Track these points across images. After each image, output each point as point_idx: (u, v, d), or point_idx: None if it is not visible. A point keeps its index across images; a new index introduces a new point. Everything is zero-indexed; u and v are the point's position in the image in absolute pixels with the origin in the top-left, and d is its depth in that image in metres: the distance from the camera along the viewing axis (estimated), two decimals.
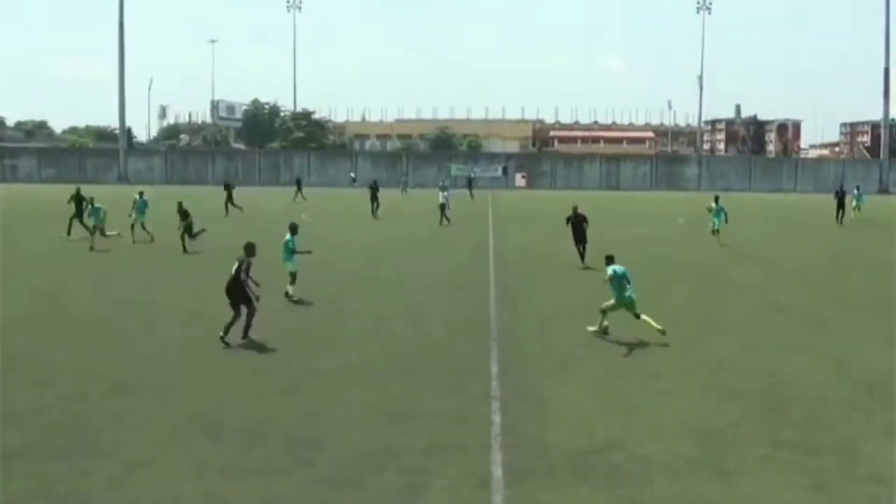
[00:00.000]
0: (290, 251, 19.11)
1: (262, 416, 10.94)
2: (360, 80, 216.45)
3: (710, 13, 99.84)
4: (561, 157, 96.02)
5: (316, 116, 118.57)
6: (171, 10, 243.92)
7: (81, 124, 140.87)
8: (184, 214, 28.33)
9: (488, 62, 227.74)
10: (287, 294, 18.93)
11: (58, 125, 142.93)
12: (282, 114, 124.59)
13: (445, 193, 40.08)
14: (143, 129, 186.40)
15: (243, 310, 14.93)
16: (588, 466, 9.36)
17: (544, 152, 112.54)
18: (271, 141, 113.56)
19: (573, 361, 13.89)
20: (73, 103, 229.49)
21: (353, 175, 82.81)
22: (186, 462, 9.40)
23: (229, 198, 44.28)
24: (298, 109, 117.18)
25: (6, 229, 34.76)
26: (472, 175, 79.24)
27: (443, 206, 38.87)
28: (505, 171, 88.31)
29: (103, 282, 22.16)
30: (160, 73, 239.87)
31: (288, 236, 19.19)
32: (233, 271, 14.95)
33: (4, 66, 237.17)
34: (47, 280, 22.38)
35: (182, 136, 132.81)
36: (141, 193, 31.97)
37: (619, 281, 15.13)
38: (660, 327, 15.03)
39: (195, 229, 28.56)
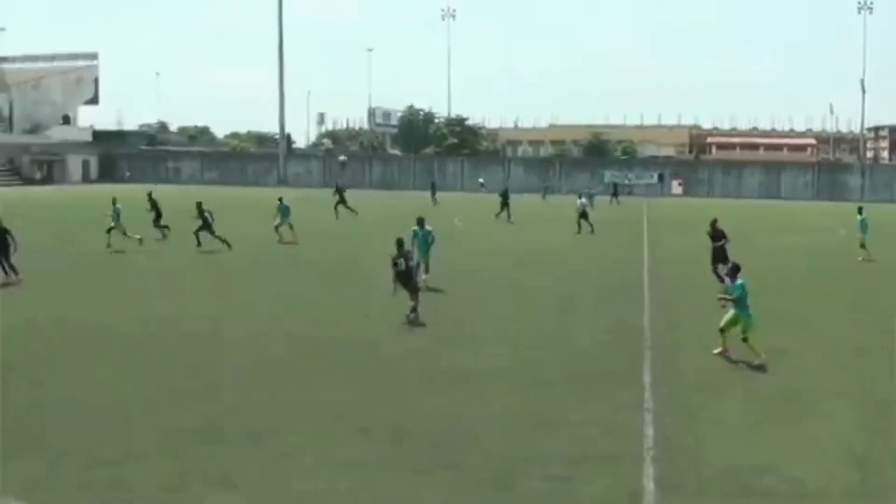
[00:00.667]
0: (425, 242, 20.95)
1: (410, 415, 11.07)
2: (513, 87, 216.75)
3: (871, 13, 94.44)
4: (719, 165, 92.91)
5: (469, 123, 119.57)
6: (328, 20, 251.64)
7: (242, 130, 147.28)
8: (200, 214, 29.55)
9: (644, 66, 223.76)
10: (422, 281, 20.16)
11: (220, 131, 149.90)
12: (436, 120, 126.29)
13: (583, 200, 39.29)
14: (303, 135, 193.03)
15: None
16: (741, 485, 8.99)
17: (701, 159, 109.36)
18: (426, 147, 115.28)
19: (730, 376, 13.40)
20: (234, 110, 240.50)
21: (481, 181, 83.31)
22: (335, 456, 9.62)
23: (341, 201, 44.87)
24: (452, 116, 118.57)
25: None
26: (628, 181, 77.89)
27: (583, 214, 38.03)
28: (661, 178, 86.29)
29: (250, 279, 23.04)
30: (318, 81, 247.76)
31: (415, 228, 20.99)
32: (398, 265, 16.73)
33: (169, 75, 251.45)
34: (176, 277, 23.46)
35: (325, 143, 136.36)
36: (280, 199, 33.28)
37: (743, 294, 14.14)
38: (760, 359, 13.84)
39: (215, 231, 29.41)
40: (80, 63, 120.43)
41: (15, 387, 12.17)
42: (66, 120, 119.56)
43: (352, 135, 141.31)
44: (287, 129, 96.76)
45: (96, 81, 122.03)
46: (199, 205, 29.79)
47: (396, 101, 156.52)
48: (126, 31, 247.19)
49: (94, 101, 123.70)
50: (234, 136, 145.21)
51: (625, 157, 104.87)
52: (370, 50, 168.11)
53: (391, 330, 16.33)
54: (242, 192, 69.37)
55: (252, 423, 10.71)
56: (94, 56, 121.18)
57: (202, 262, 26.40)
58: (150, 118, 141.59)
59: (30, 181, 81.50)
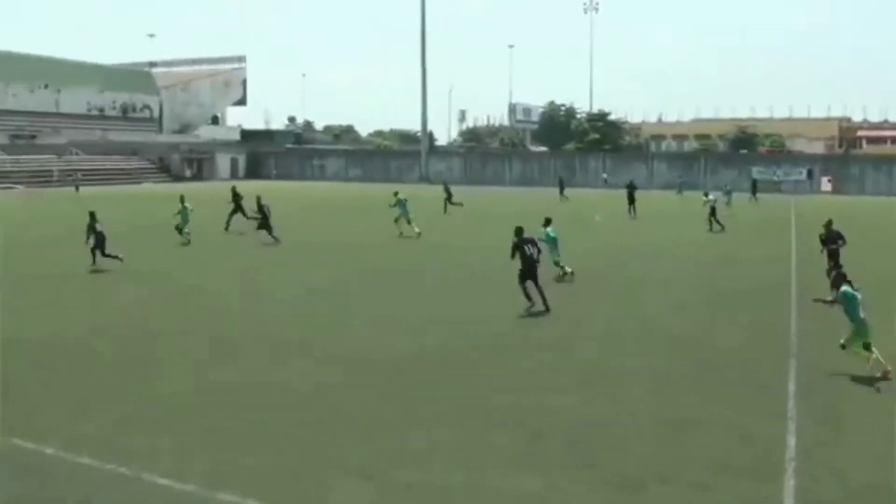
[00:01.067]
0: (553, 241, 21.57)
1: (545, 411, 11.11)
2: (656, 80, 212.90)
3: None
4: (870, 160, 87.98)
5: (611, 117, 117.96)
6: (470, 17, 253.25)
7: (386, 128, 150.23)
8: (260, 209, 30.80)
9: (791, 56, 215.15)
10: (564, 272, 21.86)
11: (363, 129, 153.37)
12: (577, 115, 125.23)
13: (711, 197, 38.23)
14: (444, 132, 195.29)
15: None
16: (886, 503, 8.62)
17: (851, 154, 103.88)
18: (567, 143, 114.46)
19: (882, 387, 12.78)
20: (378, 109, 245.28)
21: (604, 176, 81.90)
22: (470, 450, 9.77)
23: (449, 197, 45.84)
24: (594, 111, 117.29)
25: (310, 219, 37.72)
26: (776, 178, 75.10)
27: (712, 211, 36.93)
28: (810, 174, 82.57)
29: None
30: (460, 78, 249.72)
31: (546, 228, 21.53)
32: (523, 250, 17.41)
33: (314, 76, 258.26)
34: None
35: (456, 140, 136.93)
36: (396, 193, 35.45)
37: (852, 303, 13.27)
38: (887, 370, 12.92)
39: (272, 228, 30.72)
40: (229, 66, 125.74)
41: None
42: (215, 120, 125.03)
43: (492, 131, 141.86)
44: (429, 127, 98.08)
45: (244, 83, 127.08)
46: (258, 199, 31.40)
47: (537, 97, 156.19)
48: (273, 34, 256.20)
49: (242, 102, 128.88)
50: (378, 134, 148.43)
51: (771, 151, 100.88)
52: (511, 46, 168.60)
53: (521, 323, 16.38)
54: (385, 188, 70.45)
55: (388, 415, 10.98)
56: (242, 59, 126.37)
57: (288, 255, 27.03)
58: (297, 117, 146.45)
59: (179, 178, 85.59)
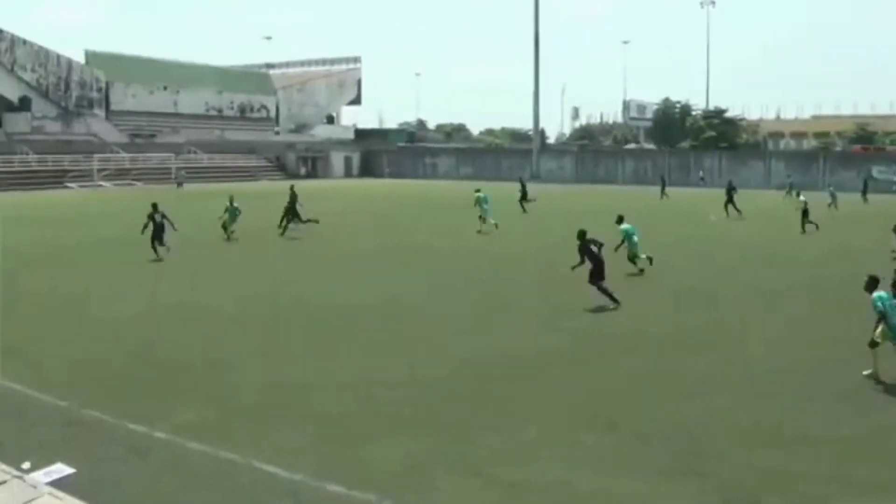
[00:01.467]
0: (629, 235, 22.14)
1: (656, 416, 10.83)
2: (775, 76, 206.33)
3: None
4: None
5: (728, 115, 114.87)
6: (584, 14, 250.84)
7: (497, 126, 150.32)
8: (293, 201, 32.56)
9: None
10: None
11: (475, 127, 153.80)
12: (693, 112, 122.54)
13: (802, 198, 36.33)
14: (556, 129, 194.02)
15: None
16: None
17: None
18: (681, 140, 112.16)
19: None
20: (490, 107, 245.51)
21: (701, 174, 79.75)
22: (579, 451, 9.62)
23: (524, 196, 44.70)
24: (710, 107, 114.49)
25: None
26: None
27: (804, 212, 35.23)
28: None
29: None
30: (574, 75, 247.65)
31: (626, 226, 22.04)
32: (598, 255, 17.90)
33: (428, 75, 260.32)
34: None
35: (562, 136, 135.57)
36: (477, 190, 36.03)
37: (880, 308, 12.43)
38: None
39: (303, 217, 32.67)
40: (344, 67, 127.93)
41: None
42: (330, 119, 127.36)
43: (605, 129, 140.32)
44: (541, 125, 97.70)
45: (359, 83, 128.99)
46: (291, 187, 32.76)
47: (652, 94, 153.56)
48: (388, 35, 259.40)
49: (356, 101, 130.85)
50: (489, 132, 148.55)
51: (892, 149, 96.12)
52: (626, 42, 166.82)
53: (631, 326, 16.04)
54: (496, 186, 70.49)
55: (498, 413, 10.89)
56: (357, 59, 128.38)
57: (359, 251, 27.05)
58: (410, 116, 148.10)
59: (294, 176, 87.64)
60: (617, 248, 21.54)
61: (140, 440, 9.90)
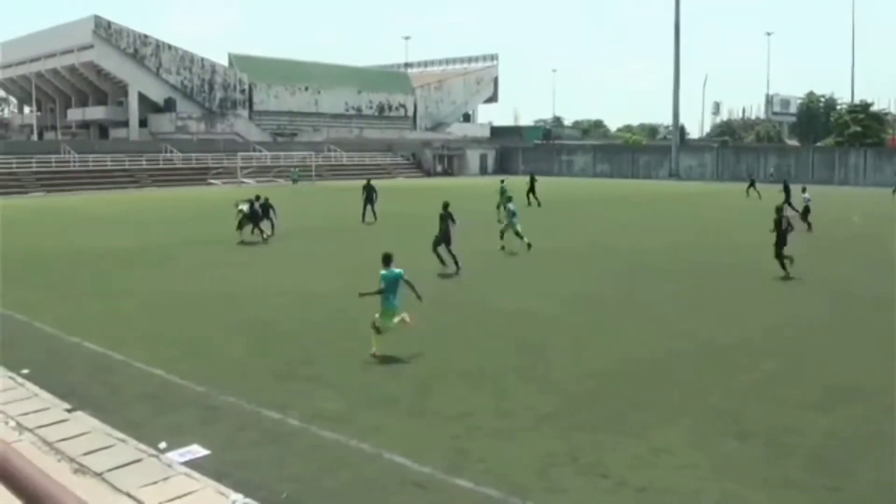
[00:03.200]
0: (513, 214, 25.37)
1: (790, 427, 10.31)
2: None
3: None
4: None
5: (874, 109, 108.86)
6: (726, 4, 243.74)
7: (635, 122, 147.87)
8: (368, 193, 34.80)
9: None
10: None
11: (613, 124, 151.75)
12: (838, 107, 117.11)
13: (806, 195, 33.98)
14: (696, 125, 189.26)
15: None
16: None
17: None
18: (826, 136, 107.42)
19: None
20: (627, 103, 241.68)
21: (771, 171, 76.18)
22: (708, 458, 9.28)
23: (531, 190, 44.21)
24: (855, 102, 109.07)
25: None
26: None
27: (805, 210, 32.98)
28: None
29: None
30: (715, 69, 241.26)
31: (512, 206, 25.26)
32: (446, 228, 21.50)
33: (564, 71, 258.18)
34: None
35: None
36: (502, 181, 38.17)
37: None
38: None
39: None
40: (481, 64, 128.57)
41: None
42: (467, 117, 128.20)
43: (747, 125, 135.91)
44: (680, 120, 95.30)
45: (496, 81, 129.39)
46: (367, 182, 34.20)
47: (796, 87, 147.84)
48: (524, 32, 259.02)
49: (493, 99, 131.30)
50: (627, 128, 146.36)
51: None
52: (769, 33, 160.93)
53: (769, 335, 15.38)
54: (633, 185, 69.74)
55: (631, 414, 10.64)
56: (493, 57, 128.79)
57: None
58: (546, 113, 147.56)
59: (430, 174, 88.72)
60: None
61: (274, 426, 10.12)
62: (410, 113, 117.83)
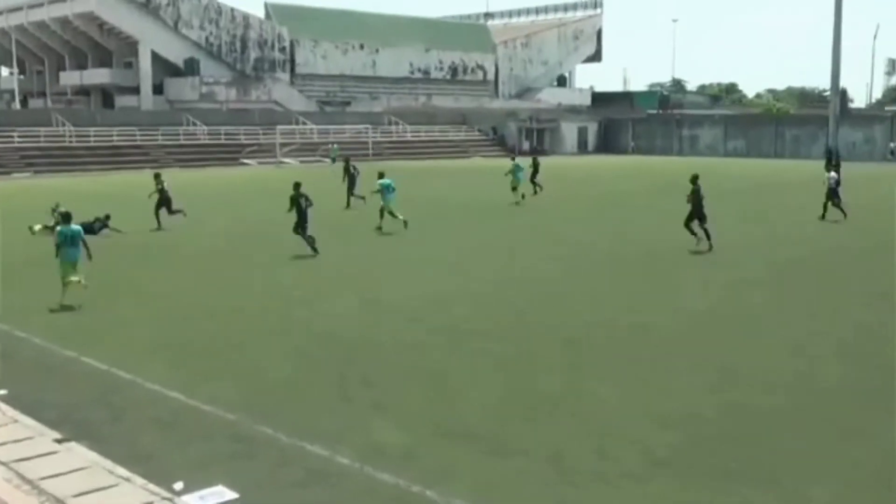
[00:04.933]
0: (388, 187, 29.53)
1: None
2: None
3: None
4: None
5: None
6: None
7: (780, 86, 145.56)
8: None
9: None
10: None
11: (750, 88, 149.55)
12: None
13: (832, 174, 34.11)
14: (862, 90, 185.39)
15: None
16: None
17: None
18: None
19: None
20: (770, 62, 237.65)
21: (892, 146, 74.15)
22: None
23: (535, 172, 45.04)
24: None
25: None
26: None
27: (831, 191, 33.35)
28: None
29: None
30: (889, 18, 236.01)
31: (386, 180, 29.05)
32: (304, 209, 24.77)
33: (687, 23, 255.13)
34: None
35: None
36: (513, 158, 42.00)
37: None
38: None
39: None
40: (580, 14, 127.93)
41: None
42: (561, 81, 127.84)
43: None
44: (842, 83, 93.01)
45: (599, 35, 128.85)
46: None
47: None
48: None
49: (595, 57, 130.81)
50: (769, 94, 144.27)
51: None
52: None
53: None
54: (776, 166, 68.34)
55: (774, 464, 10.15)
56: (597, 5, 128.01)
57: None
58: (663, 76, 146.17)
59: (515, 152, 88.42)
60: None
61: (320, 464, 10.00)
62: (491, 76, 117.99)
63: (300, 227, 25.17)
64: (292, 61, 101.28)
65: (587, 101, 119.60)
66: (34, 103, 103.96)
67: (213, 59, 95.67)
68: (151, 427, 11.16)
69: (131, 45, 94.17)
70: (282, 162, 70.64)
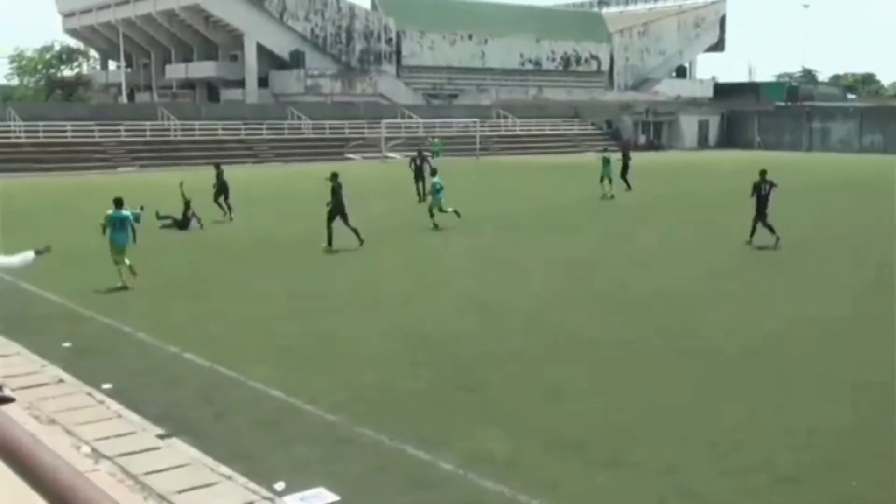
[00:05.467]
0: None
1: None
2: None
3: None
4: None
5: None
6: None
7: None
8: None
9: None
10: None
11: (888, 79, 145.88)
12: None
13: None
14: None
15: None
16: None
17: None
18: None
19: None
20: None
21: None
22: None
23: (625, 168, 44.29)
24: None
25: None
26: None
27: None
28: None
29: None
30: None
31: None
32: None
33: (819, 7, 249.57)
34: None
35: None
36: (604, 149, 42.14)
37: None
38: None
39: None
40: (701, 0, 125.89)
41: None
42: (681, 72, 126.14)
43: None
44: None
45: (722, 22, 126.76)
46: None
47: None
48: None
49: (717, 46, 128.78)
50: None
51: None
52: None
53: None
54: None
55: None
56: None
57: None
58: (792, 66, 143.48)
59: (630, 147, 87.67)
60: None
61: (421, 469, 10.13)
62: (605, 66, 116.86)
63: (342, 217, 25.81)
64: (398, 53, 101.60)
65: (708, 92, 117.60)
66: (140, 97, 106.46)
67: (319, 51, 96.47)
68: (253, 426, 11.45)
69: (237, 38, 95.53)
70: (386, 156, 70.93)
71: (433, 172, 31.47)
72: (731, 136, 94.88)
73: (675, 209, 37.17)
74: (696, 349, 15.46)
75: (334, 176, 26.48)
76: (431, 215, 29.98)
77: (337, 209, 25.97)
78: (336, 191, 26.16)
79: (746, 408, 12.31)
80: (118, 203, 20.47)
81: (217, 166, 34.43)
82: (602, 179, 40.91)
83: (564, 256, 25.01)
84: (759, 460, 10.46)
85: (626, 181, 43.98)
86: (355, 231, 25.84)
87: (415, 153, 43.51)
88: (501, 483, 9.66)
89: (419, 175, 39.99)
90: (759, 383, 13.46)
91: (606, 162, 40.98)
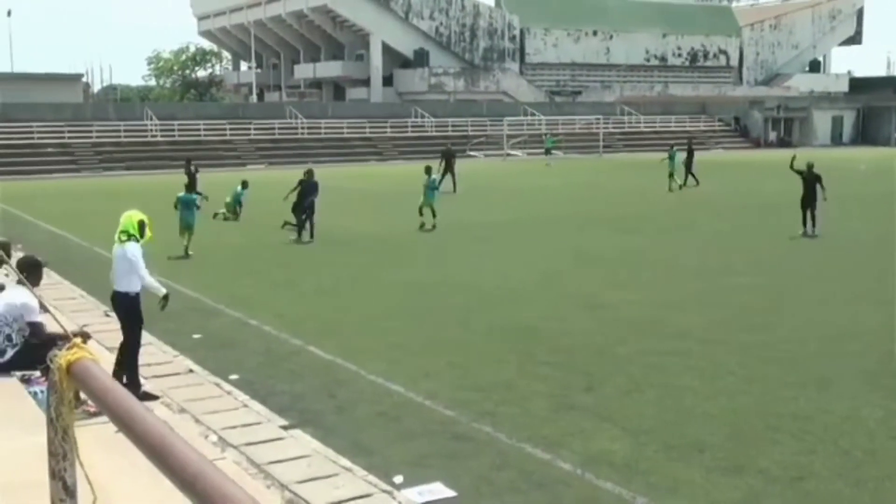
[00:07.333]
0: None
1: None
2: None
3: None
4: None
5: None
6: None
7: None
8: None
9: None
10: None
11: None
12: None
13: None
14: None
15: None
16: None
17: None
18: None
19: None
20: None
21: None
22: None
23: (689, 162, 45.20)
24: None
25: None
26: None
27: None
28: None
29: None
30: None
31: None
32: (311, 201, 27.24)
33: None
34: None
35: None
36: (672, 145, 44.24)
37: None
38: None
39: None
40: None
41: None
42: (814, 66, 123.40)
43: None
44: None
45: (859, 14, 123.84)
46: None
47: None
48: None
49: (854, 40, 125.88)
50: None
51: None
52: None
53: None
54: None
55: None
56: None
57: None
58: None
59: (760, 143, 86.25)
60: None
61: (539, 468, 10.16)
62: (734, 61, 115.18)
63: (302, 211, 27.26)
64: (522, 50, 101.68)
65: (843, 87, 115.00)
66: (269, 96, 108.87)
67: (443, 49, 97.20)
68: (373, 420, 11.64)
69: (363, 38, 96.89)
70: (508, 154, 71.13)
71: (427, 170, 31.35)
72: (867, 133, 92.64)
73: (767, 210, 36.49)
74: (835, 353, 15.00)
75: (309, 173, 28.04)
76: (420, 213, 30.24)
77: (300, 204, 27.35)
78: (304, 187, 27.37)
79: (886, 415, 11.87)
80: (188, 187, 26.16)
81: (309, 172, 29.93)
82: (670, 175, 42.70)
83: (677, 259, 24.89)
84: (888, 464, 10.26)
85: (692, 175, 44.69)
86: (302, 226, 27.30)
87: (444, 148, 45.45)
88: (620, 485, 9.63)
89: (448, 170, 42.11)
90: None
91: (672, 157, 42.95)
